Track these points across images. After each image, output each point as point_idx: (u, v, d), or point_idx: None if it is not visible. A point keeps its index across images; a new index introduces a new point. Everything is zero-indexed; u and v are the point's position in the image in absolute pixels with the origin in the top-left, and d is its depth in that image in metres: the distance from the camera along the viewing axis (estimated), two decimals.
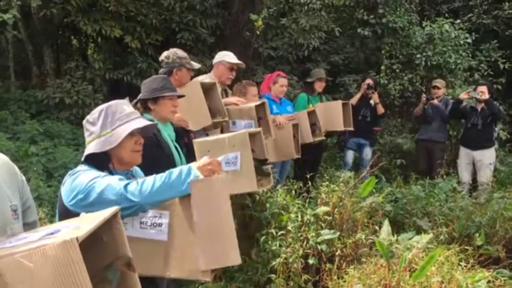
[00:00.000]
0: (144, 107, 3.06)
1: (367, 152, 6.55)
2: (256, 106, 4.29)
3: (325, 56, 8.37)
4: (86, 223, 1.44)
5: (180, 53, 3.77)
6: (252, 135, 3.39)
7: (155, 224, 1.89)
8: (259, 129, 3.69)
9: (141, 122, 2.08)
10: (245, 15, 7.52)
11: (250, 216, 3.88)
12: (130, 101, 3.10)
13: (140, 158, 2.15)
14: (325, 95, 6.57)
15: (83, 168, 2.01)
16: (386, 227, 3.36)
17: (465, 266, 3.34)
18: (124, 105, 2.11)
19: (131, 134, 2.03)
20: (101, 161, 2.04)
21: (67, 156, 5.73)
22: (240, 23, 7.71)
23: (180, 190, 1.88)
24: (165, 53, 3.81)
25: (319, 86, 6.06)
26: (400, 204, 4.71)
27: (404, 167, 7.25)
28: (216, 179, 1.97)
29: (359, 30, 7.95)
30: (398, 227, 4.43)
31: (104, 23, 7.02)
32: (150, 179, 1.89)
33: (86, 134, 2.08)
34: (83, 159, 2.06)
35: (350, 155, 6.61)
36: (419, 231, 4.12)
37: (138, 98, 3.08)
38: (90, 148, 2.02)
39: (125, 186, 1.86)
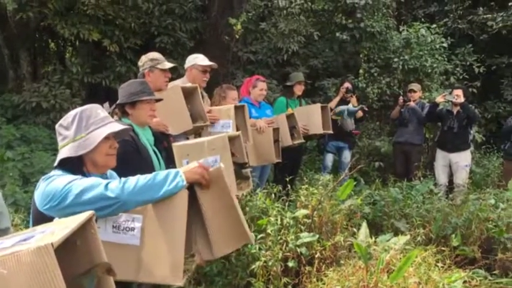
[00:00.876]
0: (122, 112, 3.04)
1: (346, 155, 6.61)
2: (236, 109, 4.30)
3: (304, 60, 8.44)
4: (61, 228, 1.43)
5: (153, 55, 3.75)
6: (231, 139, 3.40)
7: (128, 228, 1.88)
8: (238, 132, 3.70)
9: (116, 126, 2.09)
10: (224, 19, 7.54)
11: None
12: (110, 105, 3.09)
13: (114, 161, 2.15)
14: (305, 98, 6.61)
15: (57, 173, 1.99)
16: (364, 229, 3.40)
17: (442, 267, 3.40)
18: (98, 110, 2.10)
19: (106, 138, 2.03)
20: (75, 165, 2.03)
21: (44, 161, 5.65)
22: (219, 27, 7.72)
23: (162, 192, 1.86)
24: (141, 58, 3.81)
25: (298, 90, 6.09)
26: (379, 207, 4.77)
27: (383, 170, 7.35)
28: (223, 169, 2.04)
29: (338, 34, 8.04)
30: (376, 229, 4.49)
31: (81, 26, 6.95)
32: (134, 178, 1.89)
33: (59, 138, 2.07)
34: (56, 163, 2.04)
35: (329, 158, 6.66)
36: (397, 232, 4.18)
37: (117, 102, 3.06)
38: (64, 152, 2.01)
39: (106, 185, 1.85)
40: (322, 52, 8.54)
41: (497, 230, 4.19)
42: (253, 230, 3.69)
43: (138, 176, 1.91)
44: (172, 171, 1.94)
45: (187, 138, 4.00)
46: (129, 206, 1.88)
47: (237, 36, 7.40)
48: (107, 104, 3.26)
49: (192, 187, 1.98)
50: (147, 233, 1.87)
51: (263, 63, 8.16)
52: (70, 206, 1.82)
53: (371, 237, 3.50)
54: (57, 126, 2.09)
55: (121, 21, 7.24)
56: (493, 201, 4.69)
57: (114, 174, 2.35)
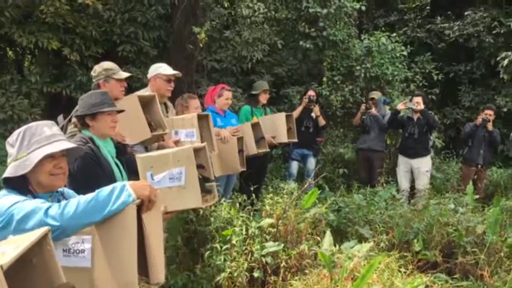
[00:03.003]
0: (82, 124, 2.97)
1: (311, 163, 6.67)
2: (200, 118, 4.27)
3: (268, 68, 8.48)
4: (12, 248, 1.38)
5: (107, 64, 3.68)
6: (197, 151, 3.36)
7: (78, 251, 1.81)
8: (204, 144, 3.66)
9: (59, 146, 2.00)
10: (188, 27, 7.49)
11: (194, 231, 3.84)
12: (65, 117, 3.01)
13: (62, 181, 2.07)
14: (269, 106, 6.65)
15: (2, 192, 1.93)
16: (328, 237, 3.42)
17: (405, 272, 3.46)
18: (45, 127, 2.02)
19: (51, 157, 1.96)
20: (19, 185, 1.96)
21: (1, 174, 5.45)
22: (183, 35, 7.67)
23: (107, 211, 1.78)
24: (94, 67, 3.73)
25: (263, 98, 6.11)
26: (343, 213, 4.82)
27: (347, 176, 7.45)
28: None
29: (301, 42, 8.12)
30: (341, 236, 4.53)
31: (40, 34, 6.77)
32: (74, 200, 1.80)
33: (8, 155, 2.01)
34: (2, 183, 1.97)
35: (294, 166, 6.71)
36: (361, 239, 4.24)
37: (73, 114, 2.98)
38: (7, 171, 1.95)
39: (46, 211, 1.76)
40: (286, 60, 8.61)
41: (457, 234, 4.30)
42: (218, 241, 3.67)
43: (80, 197, 1.84)
44: (118, 186, 1.85)
45: (146, 148, 3.94)
46: (71, 231, 1.79)
47: (201, 45, 7.37)
48: (61, 117, 3.18)
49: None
50: (98, 253, 1.80)
51: (228, 72, 8.16)
52: (15, 231, 1.74)
53: (335, 245, 3.53)
54: (6, 142, 2.03)
55: (82, 29, 7.09)
56: (452, 206, 4.82)
57: (72, 192, 2.26)
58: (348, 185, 6.65)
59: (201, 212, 3.85)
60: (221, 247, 3.58)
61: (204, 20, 7.60)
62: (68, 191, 2.24)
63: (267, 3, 8.10)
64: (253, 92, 6.15)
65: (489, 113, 7.00)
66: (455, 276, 3.91)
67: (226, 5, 8.48)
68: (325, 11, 7.98)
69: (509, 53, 8.83)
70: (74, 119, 3.20)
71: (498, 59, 9.03)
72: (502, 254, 4.10)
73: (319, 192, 4.52)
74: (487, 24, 9.54)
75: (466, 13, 9.73)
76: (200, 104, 4.98)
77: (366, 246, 3.39)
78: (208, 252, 3.63)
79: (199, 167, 3.27)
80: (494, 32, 9.45)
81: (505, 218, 5.11)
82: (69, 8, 6.78)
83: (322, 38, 8.11)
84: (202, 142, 4.04)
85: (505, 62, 8.82)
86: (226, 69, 8.14)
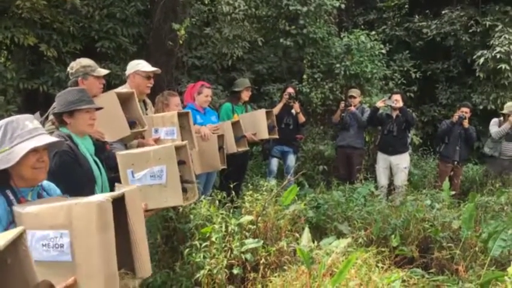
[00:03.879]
0: (59, 121, 2.94)
1: (291, 159, 6.70)
2: (180, 116, 4.26)
3: (249, 65, 8.50)
4: None
5: (85, 61, 3.65)
6: (177, 149, 3.35)
7: (57, 245, 1.81)
8: (185, 142, 3.64)
9: (43, 140, 2.01)
10: (167, 24, 7.46)
11: (174, 229, 3.84)
12: (41, 114, 2.97)
13: (44, 174, 2.09)
14: (250, 103, 6.66)
15: None
16: (306, 234, 3.46)
17: (382, 267, 3.52)
18: (27, 121, 2.02)
19: (34, 151, 1.97)
20: (0, 179, 1.96)
21: None
22: (162, 32, 7.62)
23: None
24: (71, 64, 3.69)
25: (245, 95, 6.12)
26: (322, 210, 4.86)
27: (327, 173, 7.51)
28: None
29: (281, 40, 8.15)
30: (320, 232, 4.57)
31: (16, 30, 6.65)
32: None
33: None
34: None
35: (274, 163, 6.73)
36: (340, 235, 4.29)
37: (51, 111, 2.95)
38: None
39: None
40: (266, 58, 8.63)
41: (433, 229, 4.38)
42: (198, 238, 3.67)
43: None
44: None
45: (125, 145, 3.91)
46: None
47: (181, 42, 7.34)
48: (37, 114, 3.14)
49: (119, 200, 1.94)
50: (77, 247, 1.81)
51: (208, 69, 8.15)
52: None
53: (314, 241, 3.57)
54: None
55: (59, 25, 6.99)
56: (429, 202, 4.91)
57: (53, 186, 2.28)
58: (328, 181, 6.71)
59: (181, 209, 3.84)
60: (200, 244, 3.58)
61: (184, 16, 7.57)
62: (48, 184, 2.25)
63: (247, 1, 8.10)
64: (236, 89, 6.15)
65: (465, 111, 7.12)
66: (431, 271, 3.99)
67: (206, 2, 8.44)
68: (305, 8, 8.02)
69: (485, 52, 9.02)
70: (51, 117, 3.16)
71: (474, 57, 9.22)
72: (477, 248, 4.20)
73: (298, 189, 4.56)
74: (464, 23, 9.70)
75: (443, 12, 9.89)
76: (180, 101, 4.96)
77: (344, 242, 3.43)
78: (187, 249, 3.62)
79: (181, 162, 3.27)
80: (470, 30, 9.62)
81: (480, 213, 5.24)
82: (46, 3, 6.67)
83: (302, 35, 8.16)
84: (182, 140, 4.04)
85: (481, 60, 9.02)
86: (206, 66, 8.12)
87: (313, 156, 7.93)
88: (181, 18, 7.45)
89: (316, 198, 5.18)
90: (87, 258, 1.81)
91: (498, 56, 8.77)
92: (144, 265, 2.06)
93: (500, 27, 9.14)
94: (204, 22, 8.38)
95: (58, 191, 2.30)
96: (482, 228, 4.59)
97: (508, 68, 8.78)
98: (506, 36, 8.85)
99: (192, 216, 3.82)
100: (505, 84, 9.03)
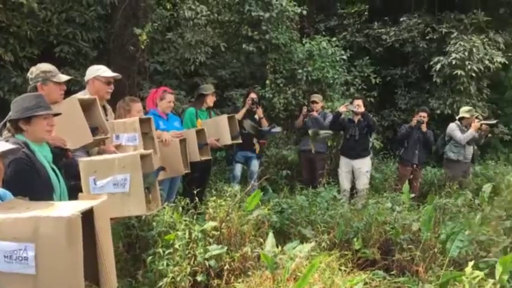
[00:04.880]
0: (15, 128, 2.84)
1: (255, 165, 6.71)
2: (142, 122, 4.20)
3: (212, 71, 8.47)
4: None
5: (45, 66, 3.55)
6: (142, 157, 3.29)
7: (20, 258, 1.75)
8: (150, 151, 3.59)
9: None
10: (129, 28, 7.34)
11: (136, 236, 3.77)
12: None
13: None
14: (213, 109, 6.63)
15: None
16: (270, 239, 3.46)
17: (345, 271, 3.57)
18: None
19: None
20: None
21: None
22: (123, 36, 7.50)
23: None
24: (30, 69, 3.58)
25: (211, 100, 6.12)
26: (286, 215, 4.88)
27: (291, 178, 7.56)
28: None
29: (244, 45, 8.17)
30: (284, 237, 4.59)
31: None
32: None
33: None
34: None
35: (238, 168, 6.73)
36: (303, 239, 4.32)
37: (7, 118, 2.85)
38: None
39: None
40: (229, 63, 8.63)
41: (394, 231, 4.48)
42: (161, 246, 3.62)
43: None
44: None
45: (87, 152, 3.82)
46: None
47: (143, 47, 7.24)
48: None
49: (88, 213, 1.90)
50: (42, 260, 1.76)
51: (171, 74, 8.07)
52: None
53: (278, 246, 3.58)
54: None
55: (16, 28, 6.76)
56: (389, 205, 5.01)
57: (8, 193, 2.20)
58: (291, 186, 6.75)
59: (143, 216, 3.78)
60: (164, 252, 3.54)
61: (146, 21, 7.46)
62: (4, 192, 2.18)
63: (209, 6, 8.09)
64: (204, 92, 6.12)
65: (423, 115, 7.33)
66: (392, 272, 4.07)
67: (168, 7, 8.37)
68: (267, 14, 8.07)
69: (442, 58, 9.33)
70: (8, 124, 3.06)
71: (431, 63, 9.52)
72: (436, 250, 4.31)
73: (262, 194, 4.58)
74: (421, 30, 10.01)
75: (401, 19, 10.16)
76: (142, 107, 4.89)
77: (308, 246, 3.46)
78: (150, 257, 3.57)
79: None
80: (427, 37, 9.93)
81: (438, 215, 5.38)
82: (1, 6, 6.46)
83: (265, 41, 8.21)
84: (144, 146, 3.99)
85: (438, 66, 9.32)
86: (168, 72, 8.04)
87: (277, 161, 7.98)
88: (142, 23, 7.35)
89: (280, 203, 5.20)
90: (53, 273, 1.75)
91: (454, 62, 9.10)
92: (110, 278, 2.01)
93: (455, 34, 9.48)
94: (166, 27, 8.30)
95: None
96: (441, 229, 4.71)
97: (463, 73, 9.12)
98: (461, 43, 9.19)
99: (155, 224, 3.77)
100: (461, 89, 9.36)
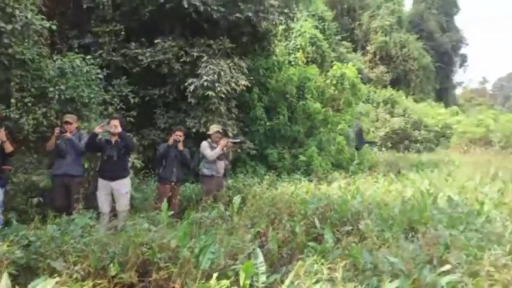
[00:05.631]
0: None
1: None
2: None
3: None
4: None
5: None
6: None
7: None
8: None
9: None
10: None
11: None
12: None
13: None
14: None
15: None
16: (5, 280, 3.07)
17: None
18: None
19: None
20: None
21: None
22: None
23: None
24: None
25: None
26: (33, 248, 4.41)
27: (43, 206, 6.91)
28: None
29: None
30: (32, 273, 4.14)
31: None
32: None
33: None
34: None
35: None
36: (54, 273, 3.96)
37: None
38: None
39: None
40: None
41: (151, 251, 4.49)
42: None
43: None
44: None
45: None
46: None
47: None
48: None
49: None
50: None
51: None
52: None
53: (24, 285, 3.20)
54: None
55: None
56: (146, 225, 5.02)
57: None
58: (44, 215, 6.15)
59: None
60: None
61: None
62: None
63: None
64: None
65: (179, 134, 7.66)
66: None
67: None
68: (10, 26, 7.27)
69: (195, 80, 9.93)
70: None
71: (186, 84, 10.03)
72: (191, 264, 4.47)
73: (6, 228, 4.05)
74: (175, 53, 10.44)
75: (156, 41, 10.43)
76: None
77: (52, 282, 3.17)
78: None
79: None
80: (181, 60, 10.41)
81: (195, 229, 5.64)
82: None
83: (8, 55, 7.38)
84: None
85: (192, 87, 9.89)
86: None
87: (26, 189, 7.19)
88: None
89: (27, 235, 4.67)
90: None
91: (205, 84, 9.79)
92: None
93: (205, 58, 10.20)
94: None
95: None
96: (196, 243, 4.92)
97: (214, 95, 9.87)
98: (211, 66, 9.95)
99: None
100: (213, 109, 10.10)
